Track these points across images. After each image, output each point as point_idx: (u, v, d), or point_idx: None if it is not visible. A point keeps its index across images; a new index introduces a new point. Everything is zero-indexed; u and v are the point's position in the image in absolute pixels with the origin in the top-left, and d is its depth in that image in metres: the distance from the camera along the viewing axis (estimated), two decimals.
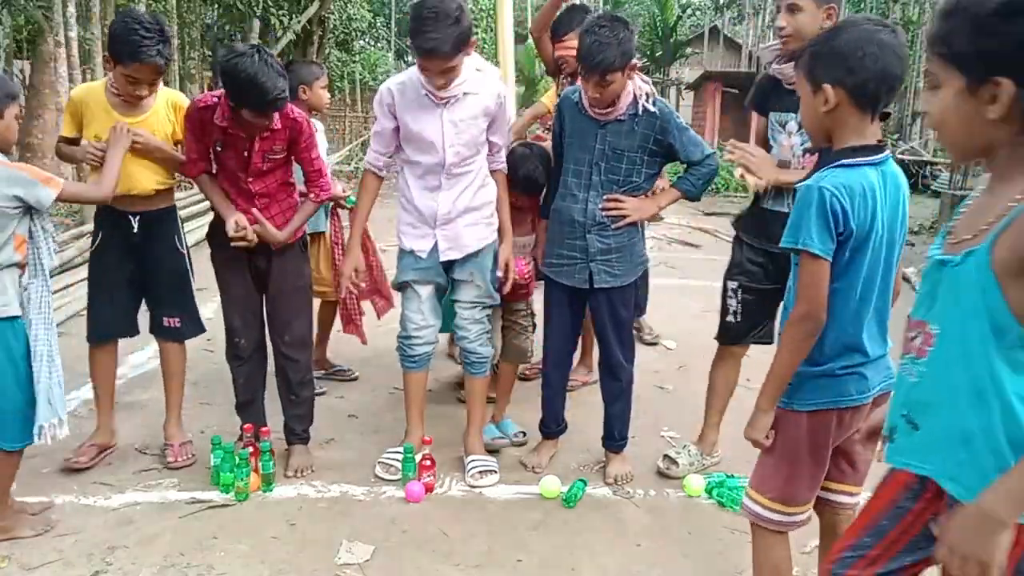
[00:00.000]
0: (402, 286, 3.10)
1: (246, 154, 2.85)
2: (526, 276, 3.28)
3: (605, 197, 2.90)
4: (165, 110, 2.99)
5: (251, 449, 2.98)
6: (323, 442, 3.38)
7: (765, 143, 2.96)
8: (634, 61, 2.75)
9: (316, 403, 3.28)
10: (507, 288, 3.13)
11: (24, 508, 2.72)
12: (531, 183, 3.20)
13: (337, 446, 3.38)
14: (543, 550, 2.64)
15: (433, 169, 2.95)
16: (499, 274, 3.11)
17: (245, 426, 3.15)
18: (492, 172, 3.10)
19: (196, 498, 2.90)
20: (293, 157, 2.98)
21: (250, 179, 2.91)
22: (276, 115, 2.78)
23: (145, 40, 2.69)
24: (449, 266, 3.06)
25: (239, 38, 16.10)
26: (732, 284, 3.07)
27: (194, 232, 8.04)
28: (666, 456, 3.22)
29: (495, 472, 3.10)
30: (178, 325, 3.15)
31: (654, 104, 2.83)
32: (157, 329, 3.17)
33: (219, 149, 2.88)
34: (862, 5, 23.11)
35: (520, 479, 3.11)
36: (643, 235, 3.10)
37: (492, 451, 3.27)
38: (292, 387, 3.16)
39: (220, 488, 2.94)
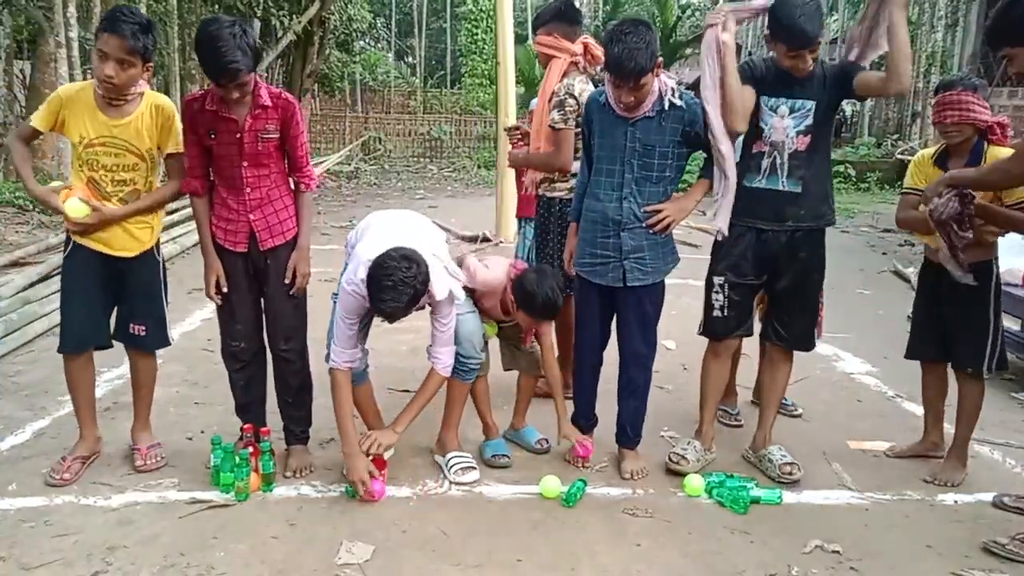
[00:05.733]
0: None
1: (239, 135, 2.86)
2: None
3: (644, 210, 2.97)
4: (150, 114, 2.94)
5: (251, 449, 2.98)
6: (323, 442, 3.39)
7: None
8: (659, 59, 2.84)
9: (316, 403, 3.27)
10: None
11: None
12: (551, 307, 3.06)
13: (337, 446, 3.36)
14: (543, 550, 2.63)
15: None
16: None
17: (245, 426, 3.15)
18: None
19: (196, 498, 2.90)
20: (284, 141, 2.94)
21: (245, 164, 2.90)
22: (250, 87, 2.78)
23: (124, 17, 2.73)
24: None
25: None
26: (718, 280, 3.16)
27: (190, 235, 8.04)
28: (675, 452, 3.21)
29: (474, 468, 3.11)
30: (143, 333, 3.08)
31: (680, 97, 2.92)
32: (122, 336, 3.10)
33: (213, 137, 2.88)
34: (862, 5, 23.07)
35: (520, 479, 3.11)
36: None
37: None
38: (290, 388, 3.16)
39: (220, 488, 2.94)
